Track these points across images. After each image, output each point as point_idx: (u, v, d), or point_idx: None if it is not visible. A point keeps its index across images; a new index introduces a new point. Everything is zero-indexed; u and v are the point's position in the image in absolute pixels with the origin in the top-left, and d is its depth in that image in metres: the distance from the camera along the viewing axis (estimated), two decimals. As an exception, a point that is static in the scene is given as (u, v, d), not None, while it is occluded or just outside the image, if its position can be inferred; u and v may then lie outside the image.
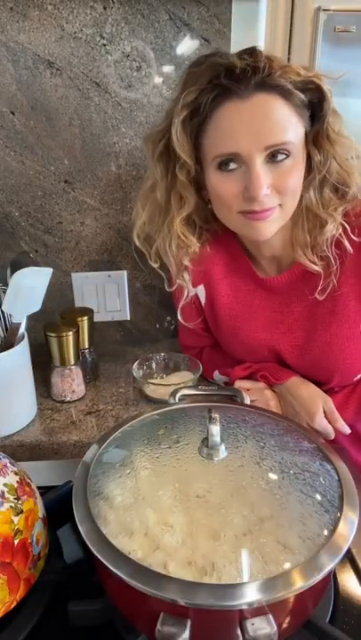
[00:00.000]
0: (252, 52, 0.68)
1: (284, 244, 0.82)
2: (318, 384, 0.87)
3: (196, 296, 0.93)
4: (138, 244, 0.84)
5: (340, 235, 0.76)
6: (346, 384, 0.88)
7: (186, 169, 0.74)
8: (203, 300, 0.93)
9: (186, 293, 0.90)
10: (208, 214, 0.82)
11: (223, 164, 0.70)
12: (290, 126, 0.68)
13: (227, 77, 0.66)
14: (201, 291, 0.92)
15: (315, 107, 0.70)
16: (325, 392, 0.87)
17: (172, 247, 0.81)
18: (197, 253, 0.84)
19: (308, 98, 0.69)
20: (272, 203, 0.71)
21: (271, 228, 0.73)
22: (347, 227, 0.75)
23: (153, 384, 0.95)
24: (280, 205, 0.72)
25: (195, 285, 0.91)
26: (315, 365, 0.86)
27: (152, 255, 0.84)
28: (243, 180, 0.69)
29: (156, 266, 0.85)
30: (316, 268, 0.78)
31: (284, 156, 0.68)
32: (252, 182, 0.68)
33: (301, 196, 0.74)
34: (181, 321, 0.94)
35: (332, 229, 0.75)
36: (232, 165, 0.70)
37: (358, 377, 0.87)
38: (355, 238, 0.76)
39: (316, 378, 0.87)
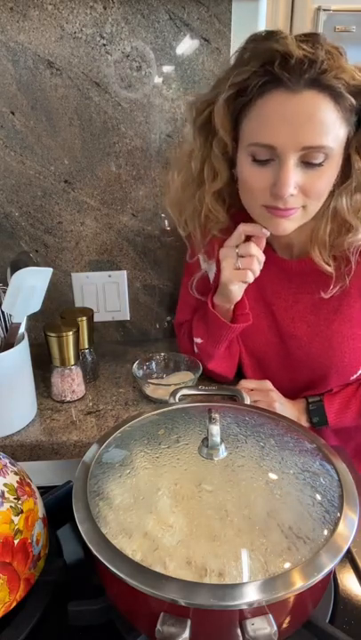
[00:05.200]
0: (314, 40, 0.64)
1: (300, 237, 0.81)
2: (316, 381, 0.88)
3: (206, 273, 0.94)
4: (169, 210, 0.87)
5: None
6: (343, 384, 0.89)
7: (223, 144, 0.73)
8: (211, 276, 0.93)
9: (203, 269, 0.92)
10: (237, 192, 0.80)
11: (257, 156, 0.69)
12: (332, 130, 0.65)
13: (280, 66, 0.63)
14: (212, 266, 0.92)
15: None
16: (325, 393, 0.88)
17: (202, 218, 0.82)
18: (225, 226, 0.83)
19: (358, 102, 0.66)
20: (296, 203, 0.70)
21: (291, 226, 0.74)
22: None
23: (153, 384, 0.95)
24: (303, 207, 0.72)
25: (209, 259, 0.92)
26: (312, 359, 0.87)
27: (181, 223, 0.86)
28: (273, 175, 0.69)
29: (183, 234, 0.88)
30: (328, 268, 0.78)
31: (320, 160, 0.67)
32: (280, 180, 0.67)
33: (331, 197, 0.73)
34: (194, 293, 0.95)
35: (360, 238, 0.75)
36: (265, 157, 0.68)
37: (356, 376, 0.87)
38: None
39: (313, 372, 0.88)
